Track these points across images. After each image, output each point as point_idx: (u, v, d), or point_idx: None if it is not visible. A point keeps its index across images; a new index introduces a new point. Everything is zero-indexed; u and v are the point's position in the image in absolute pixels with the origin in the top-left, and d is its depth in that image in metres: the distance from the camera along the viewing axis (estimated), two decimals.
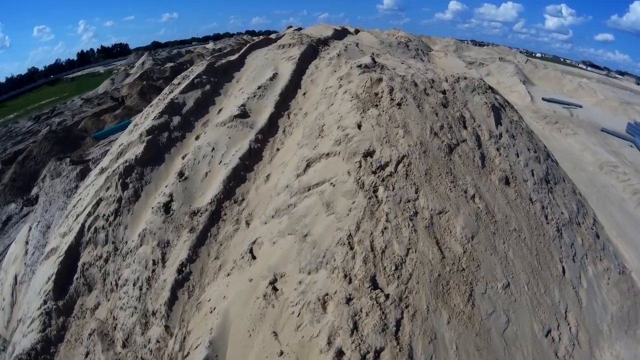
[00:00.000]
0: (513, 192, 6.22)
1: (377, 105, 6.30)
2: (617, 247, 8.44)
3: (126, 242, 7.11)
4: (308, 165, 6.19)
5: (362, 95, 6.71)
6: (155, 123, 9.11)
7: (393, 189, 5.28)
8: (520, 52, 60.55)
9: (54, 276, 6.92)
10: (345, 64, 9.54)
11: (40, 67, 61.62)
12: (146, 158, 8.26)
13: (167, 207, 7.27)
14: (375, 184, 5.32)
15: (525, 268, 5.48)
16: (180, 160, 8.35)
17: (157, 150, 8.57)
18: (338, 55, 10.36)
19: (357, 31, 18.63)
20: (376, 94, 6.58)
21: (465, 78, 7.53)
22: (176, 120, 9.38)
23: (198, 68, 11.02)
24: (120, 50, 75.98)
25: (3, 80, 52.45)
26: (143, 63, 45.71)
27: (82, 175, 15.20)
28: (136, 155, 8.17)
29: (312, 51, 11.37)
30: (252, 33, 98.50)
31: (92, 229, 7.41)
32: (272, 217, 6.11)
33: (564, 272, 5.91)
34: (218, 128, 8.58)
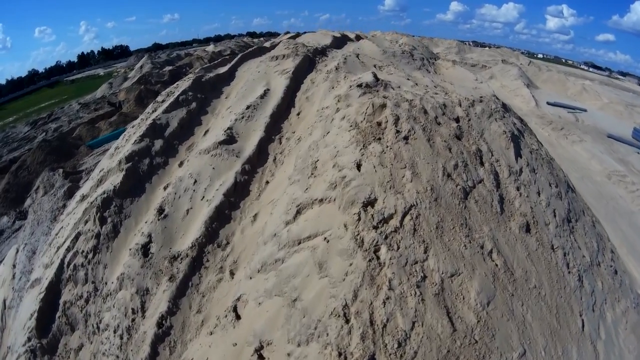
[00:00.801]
0: (534, 241, 5.23)
1: (380, 139, 5.26)
2: (627, 267, 7.75)
3: (106, 283, 6.54)
4: (298, 212, 5.19)
5: (362, 124, 5.66)
6: (135, 148, 8.17)
7: (398, 248, 4.30)
8: (522, 53, 59.11)
9: (36, 314, 6.57)
10: (345, 79, 8.48)
11: (41, 69, 60.72)
12: (125, 189, 7.47)
13: (145, 250, 6.51)
14: (377, 242, 4.32)
15: (543, 330, 4.61)
16: (162, 192, 7.53)
17: (137, 179, 7.71)
18: (336, 69, 9.30)
19: (358, 37, 17.52)
20: (379, 124, 5.53)
21: (481, 101, 6.47)
22: (158, 144, 8.44)
23: (184, 83, 10.00)
24: (120, 52, 74.70)
25: (3, 82, 51.65)
26: (142, 66, 44.60)
27: (70, 193, 14.32)
28: (115, 186, 7.36)
29: (308, 63, 10.30)
30: (253, 34, 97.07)
31: (71, 266, 6.82)
32: (258, 271, 5.22)
33: (583, 326, 5.12)
34: (201, 156, 7.59)
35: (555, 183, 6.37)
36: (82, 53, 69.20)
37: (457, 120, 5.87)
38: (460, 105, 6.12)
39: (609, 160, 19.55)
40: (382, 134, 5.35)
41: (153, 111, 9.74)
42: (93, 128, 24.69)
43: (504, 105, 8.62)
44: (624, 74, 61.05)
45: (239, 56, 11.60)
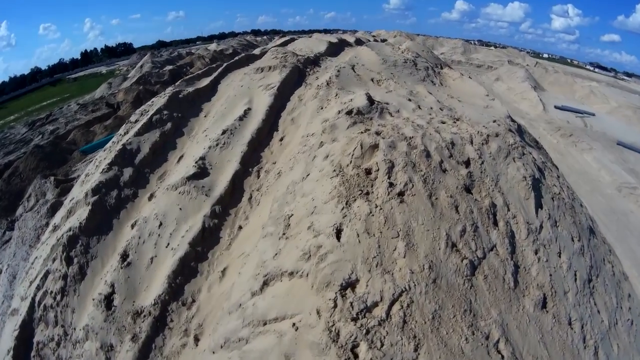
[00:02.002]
0: (550, 319, 4.09)
1: (368, 194, 4.05)
2: (637, 289, 6.83)
3: (74, 329, 5.99)
4: (266, 283, 4.05)
5: (348, 169, 4.45)
6: (102, 179, 7.19)
7: (381, 345, 3.22)
8: (528, 52, 56.74)
9: (12, 351, 6.20)
10: (336, 98, 7.23)
11: (44, 67, 59.49)
12: (91, 226, 6.64)
13: (108, 302, 5.82)
14: (356, 337, 3.22)
15: None
16: (128, 231, 6.59)
17: (104, 214, 6.84)
18: (327, 84, 8.03)
19: (358, 41, 16.08)
20: (368, 172, 4.31)
21: (497, 135, 5.19)
22: (127, 173, 7.39)
23: (159, 100, 8.81)
24: (124, 50, 73.23)
25: (7, 79, 50.71)
26: (142, 66, 43.32)
27: (53, 210, 13.37)
28: (81, 223, 6.56)
29: (297, 76, 9.04)
30: (257, 32, 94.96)
31: (42, 306, 6.34)
32: (221, 347, 4.27)
33: None
34: (169, 193, 6.46)
35: (577, 235, 5.14)
36: (85, 51, 67.90)
37: (467, 163, 4.62)
38: (472, 143, 4.85)
39: (619, 171, 18.14)
40: (372, 186, 4.14)
41: (125, 133, 8.61)
42: (88, 132, 23.65)
43: (519, 129, 7.32)
44: (629, 75, 58.29)
45: (223, 66, 10.35)
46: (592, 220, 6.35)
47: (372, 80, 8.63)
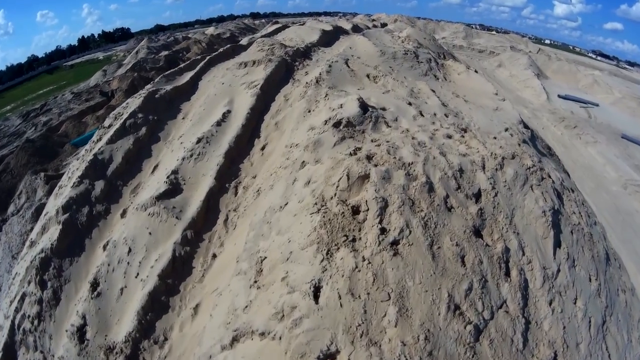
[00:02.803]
0: None
1: (354, 242, 3.14)
2: None
3: (53, 356, 5.51)
4: (236, 339, 3.24)
5: (331, 204, 3.51)
6: (73, 194, 6.44)
7: None
8: (529, 38, 53.79)
9: None
10: (325, 100, 6.15)
11: (42, 54, 56.71)
12: (63, 247, 6.04)
13: (81, 334, 5.29)
14: None
15: None
16: (101, 252, 5.90)
17: (75, 234, 6.22)
18: (317, 81, 6.91)
19: (355, 29, 14.58)
20: (355, 211, 3.37)
21: (513, 157, 4.19)
22: (99, 187, 6.57)
23: (134, 102, 7.73)
24: (122, 35, 69.77)
25: (4, 68, 48.48)
26: (137, 52, 41.13)
27: (37, 214, 12.60)
28: (52, 244, 5.94)
29: (285, 71, 7.87)
30: (256, 15, 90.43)
31: (21, 329, 5.89)
32: None
33: None
34: (138, 214, 5.61)
35: (595, 271, 4.29)
36: (83, 37, 64.58)
37: (477, 196, 3.67)
38: (484, 169, 3.87)
39: (624, 167, 17.12)
40: (359, 230, 3.22)
41: (98, 139, 7.63)
42: (79, 123, 22.47)
43: (532, 137, 6.28)
44: (632, 64, 55.39)
45: (206, 59, 9.14)
46: (607, 242, 5.48)
47: (367, 76, 7.48)
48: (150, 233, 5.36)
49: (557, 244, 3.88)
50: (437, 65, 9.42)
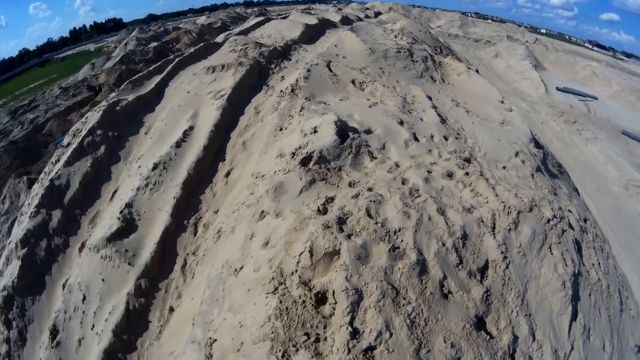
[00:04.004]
0: None
1: (316, 343, 2.06)
2: None
3: None
4: None
5: (290, 284, 2.43)
6: (30, 226, 5.70)
7: None
8: (526, 27, 51.22)
9: None
10: (300, 116, 4.94)
11: (33, 47, 53.43)
12: (24, 284, 5.44)
13: None
14: None
15: None
16: (61, 292, 5.16)
17: (35, 270, 5.54)
18: (292, 90, 5.65)
19: (345, 20, 12.98)
20: (320, 300, 2.30)
21: (531, 209, 3.08)
22: (56, 217, 5.82)
23: (94, 116, 6.53)
24: (114, 25, 65.94)
25: None
26: (126, 44, 38.65)
27: (10, 231, 11.53)
28: (13, 281, 5.37)
29: (258, 76, 6.57)
30: (249, 4, 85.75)
31: None
32: None
33: None
34: (91, 256, 4.68)
35: (609, 334, 3.34)
36: (74, 28, 60.83)
37: (483, 272, 2.60)
38: (494, 230, 2.77)
39: (626, 166, 16.06)
40: (324, 328, 2.16)
41: (56, 161, 6.50)
42: (64, 122, 20.90)
43: (544, 158, 5.15)
44: (628, 55, 52.99)
45: (175, 61, 7.78)
46: (618, 273, 4.48)
47: (353, 82, 6.21)
48: (103, 280, 4.45)
49: (574, 317, 2.86)
50: (434, 64, 8.10)
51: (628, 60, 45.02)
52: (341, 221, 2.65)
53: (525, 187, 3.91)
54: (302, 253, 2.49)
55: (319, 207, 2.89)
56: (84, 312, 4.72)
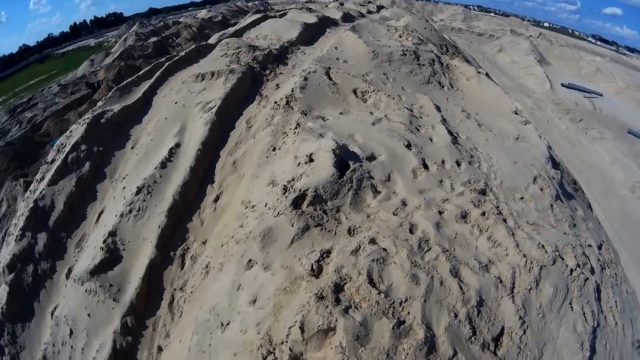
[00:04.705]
0: None
1: None
2: None
3: None
4: None
5: (279, 354, 1.97)
6: (17, 250, 5.31)
7: None
8: (529, 20, 49.39)
9: None
10: (295, 134, 4.37)
11: (33, 43, 52.02)
12: (13, 311, 5.09)
13: None
14: None
15: None
16: (50, 319, 4.80)
17: (23, 296, 5.20)
18: (287, 102, 5.05)
19: (346, 17, 12.15)
20: None
21: (554, 261, 2.58)
22: (42, 240, 5.43)
23: (78, 130, 6.01)
24: (114, 20, 64.07)
25: None
26: (125, 39, 37.54)
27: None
28: (3, 307, 5.10)
29: (251, 84, 5.95)
30: None
31: None
32: None
33: None
34: (76, 288, 4.33)
35: None
36: (75, 23, 59.05)
37: (497, 340, 2.10)
38: (513, 292, 2.27)
39: (632, 167, 15.39)
40: None
41: (41, 179, 6.01)
42: (62, 121, 20.31)
43: (561, 182, 4.59)
44: (631, 50, 51.14)
45: (164, 66, 7.15)
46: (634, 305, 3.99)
47: (354, 92, 5.59)
48: (89, 315, 4.07)
49: None
50: (441, 67, 7.43)
51: (631, 55, 43.49)
52: (338, 288, 2.14)
53: (545, 224, 3.38)
54: (292, 327, 2.00)
55: (312, 265, 2.37)
56: (72, 347, 4.37)
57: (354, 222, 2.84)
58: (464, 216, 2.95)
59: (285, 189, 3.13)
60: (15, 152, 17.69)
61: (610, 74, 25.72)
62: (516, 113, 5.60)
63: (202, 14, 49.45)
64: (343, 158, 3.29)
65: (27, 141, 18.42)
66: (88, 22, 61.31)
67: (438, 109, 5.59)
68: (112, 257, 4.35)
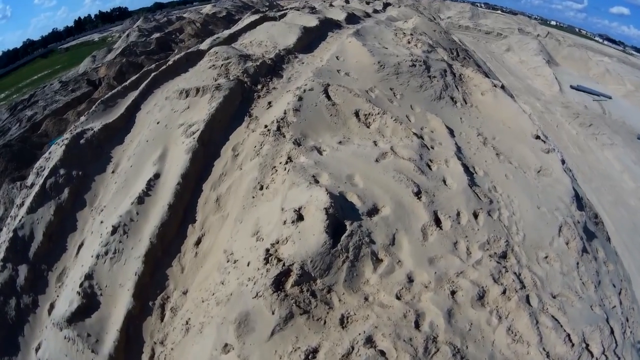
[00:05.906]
0: None
1: None
2: None
3: None
4: None
5: None
6: None
7: None
8: (536, 19, 47.39)
9: None
10: (285, 171, 3.75)
11: (38, 37, 50.85)
12: None
13: None
14: None
15: None
16: (34, 356, 4.29)
17: (7, 330, 4.73)
18: (279, 128, 4.41)
19: (350, 19, 11.28)
20: None
21: (579, 357, 1.97)
22: (23, 273, 4.93)
23: (57, 152, 5.38)
24: (119, 14, 62.55)
25: (0, 53, 43.61)
26: (128, 35, 36.52)
27: None
28: None
29: (240, 101, 5.28)
30: None
31: None
32: None
33: None
34: (56, 334, 3.82)
35: None
36: (79, 18, 57.66)
37: None
38: None
39: None
40: None
41: (21, 204, 5.48)
42: (60, 121, 19.75)
43: (586, 222, 3.94)
44: (638, 50, 49.12)
45: (150, 78, 6.49)
46: None
47: (356, 114, 4.91)
48: None
49: None
50: (454, 79, 6.69)
51: (638, 56, 41.70)
52: None
53: (571, 294, 2.79)
54: None
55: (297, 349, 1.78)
56: None
57: (348, 307, 2.24)
58: (480, 297, 2.34)
59: (267, 257, 2.52)
60: (13, 153, 17.18)
61: (618, 75, 24.54)
62: (537, 137, 4.90)
63: (207, 9, 48.10)
64: (338, 218, 2.66)
65: (25, 142, 17.91)
66: (92, 16, 59.99)
67: (451, 133, 4.92)
68: (88, 303, 3.85)
